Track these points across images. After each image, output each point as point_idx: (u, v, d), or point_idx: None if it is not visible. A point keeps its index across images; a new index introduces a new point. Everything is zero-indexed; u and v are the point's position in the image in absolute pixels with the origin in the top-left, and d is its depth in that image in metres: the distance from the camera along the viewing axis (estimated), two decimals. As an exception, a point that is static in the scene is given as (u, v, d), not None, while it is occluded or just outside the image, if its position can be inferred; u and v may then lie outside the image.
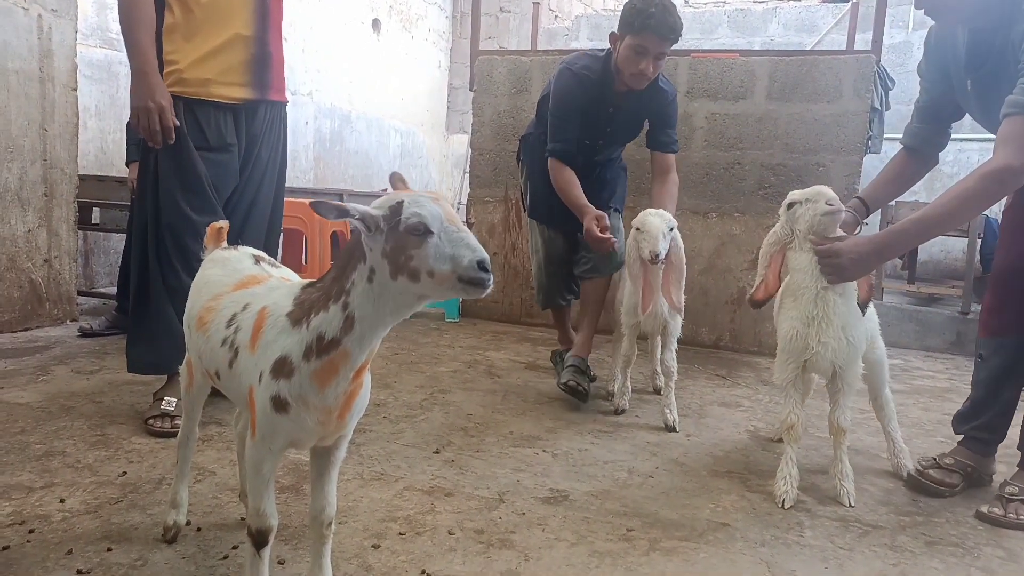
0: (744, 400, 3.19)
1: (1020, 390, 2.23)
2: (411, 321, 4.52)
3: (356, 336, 1.16)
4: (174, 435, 2.26)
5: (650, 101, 2.96)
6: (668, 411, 2.66)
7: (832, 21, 7.03)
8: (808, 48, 6.81)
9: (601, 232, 2.71)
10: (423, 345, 3.82)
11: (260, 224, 2.59)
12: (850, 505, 2.07)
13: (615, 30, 2.81)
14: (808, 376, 2.16)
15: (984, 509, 2.05)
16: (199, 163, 2.35)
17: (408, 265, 1.11)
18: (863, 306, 2.07)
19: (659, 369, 3.08)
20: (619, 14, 2.81)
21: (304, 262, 4.47)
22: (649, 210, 2.61)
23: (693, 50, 4.61)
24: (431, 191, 1.17)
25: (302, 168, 6.55)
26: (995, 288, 2.27)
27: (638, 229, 2.56)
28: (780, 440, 2.44)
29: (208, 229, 1.72)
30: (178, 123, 2.28)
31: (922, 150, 2.30)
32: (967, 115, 2.24)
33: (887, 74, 4.43)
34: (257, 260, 1.57)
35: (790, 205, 2.05)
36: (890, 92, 4.46)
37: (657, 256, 2.46)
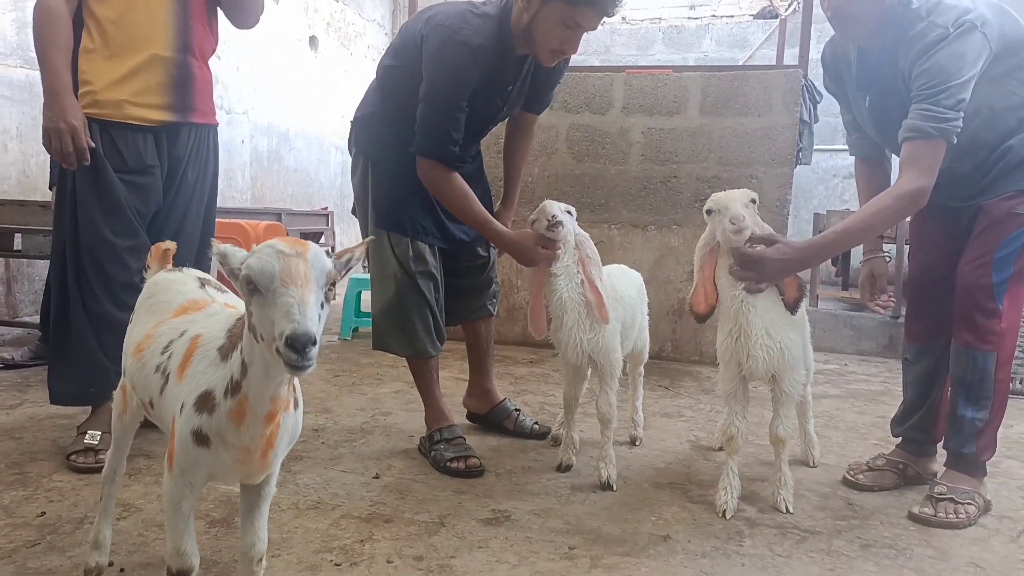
0: (686, 410, 3.22)
1: (945, 390, 2.31)
2: (352, 342, 4.45)
3: (251, 382, 1.12)
4: (98, 471, 2.15)
5: (552, 68, 2.33)
6: (603, 465, 2.23)
7: (762, 37, 7.25)
8: (740, 63, 7.00)
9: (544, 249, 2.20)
10: (364, 366, 3.76)
11: (190, 247, 2.51)
12: (788, 512, 2.10)
13: None
14: (747, 386, 2.18)
15: (916, 510, 2.11)
16: (118, 186, 2.27)
17: (250, 321, 1.06)
18: (793, 306, 2.05)
19: (633, 417, 2.70)
20: None
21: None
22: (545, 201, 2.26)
23: (628, 66, 4.69)
24: (301, 242, 1.07)
25: (239, 187, 6.41)
26: (911, 297, 2.39)
27: (534, 221, 2.22)
28: (721, 449, 2.47)
29: (153, 249, 1.66)
30: (92, 144, 2.20)
31: (871, 156, 2.39)
32: None
33: (814, 88, 4.56)
34: (203, 284, 1.52)
35: (707, 211, 2.05)
36: (818, 105, 4.60)
37: (555, 216, 2.13)
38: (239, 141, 6.37)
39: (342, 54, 7.90)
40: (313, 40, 7.46)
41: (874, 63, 2.14)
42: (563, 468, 2.36)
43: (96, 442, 2.25)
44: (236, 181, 6.38)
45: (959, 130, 1.95)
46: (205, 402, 1.16)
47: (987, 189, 2.11)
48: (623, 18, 10.20)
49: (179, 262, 2.48)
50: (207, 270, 2.61)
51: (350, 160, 2.50)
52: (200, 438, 1.16)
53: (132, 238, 2.30)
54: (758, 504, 2.16)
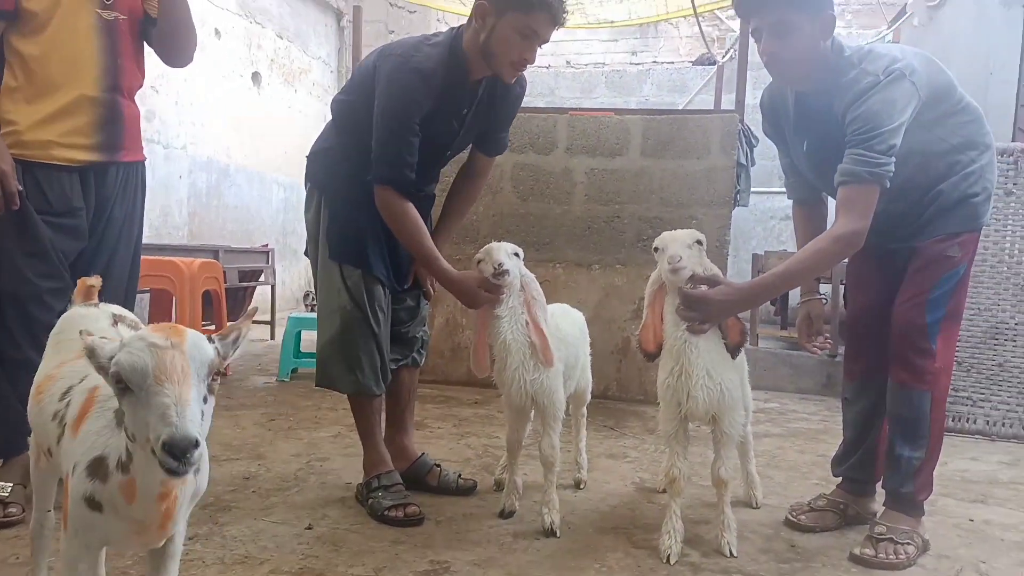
0: (631, 451, 3.19)
1: (884, 429, 2.34)
2: (291, 383, 4.31)
3: (137, 469, 1.03)
4: (10, 525, 2.02)
5: (506, 93, 2.34)
6: (546, 511, 2.16)
7: (701, 83, 7.48)
8: (680, 107, 7.19)
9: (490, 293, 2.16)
10: (302, 408, 3.63)
11: (118, 286, 2.40)
12: (733, 556, 2.07)
13: (482, 0, 2.13)
14: (688, 426, 2.17)
15: (856, 551, 2.11)
16: (41, 227, 2.18)
17: (123, 421, 0.99)
18: (735, 350, 2.06)
19: (577, 459, 2.64)
20: None
21: (173, 324, 4.18)
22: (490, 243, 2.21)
23: (571, 108, 4.75)
24: (177, 330, 0.99)
25: (175, 224, 6.23)
26: (849, 336, 2.43)
27: (480, 261, 2.18)
28: (665, 491, 2.44)
29: (78, 284, 1.57)
30: (20, 188, 2.11)
31: (808, 199, 2.43)
32: None
33: (751, 132, 4.70)
34: (116, 321, 1.43)
35: (655, 249, 2.06)
36: (754, 149, 4.73)
37: (501, 264, 2.07)
38: (176, 176, 6.21)
39: (286, 91, 7.83)
40: (256, 76, 7.39)
41: (811, 108, 2.20)
42: (506, 514, 2.29)
43: (6, 494, 2.11)
44: (173, 217, 6.20)
45: (891, 174, 2.00)
46: (97, 469, 1.07)
47: (921, 231, 2.17)
48: (567, 62, 10.43)
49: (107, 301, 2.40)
50: (132, 307, 2.50)
51: (300, 196, 2.48)
52: (93, 504, 1.08)
53: (56, 280, 2.21)
54: (702, 548, 2.13)
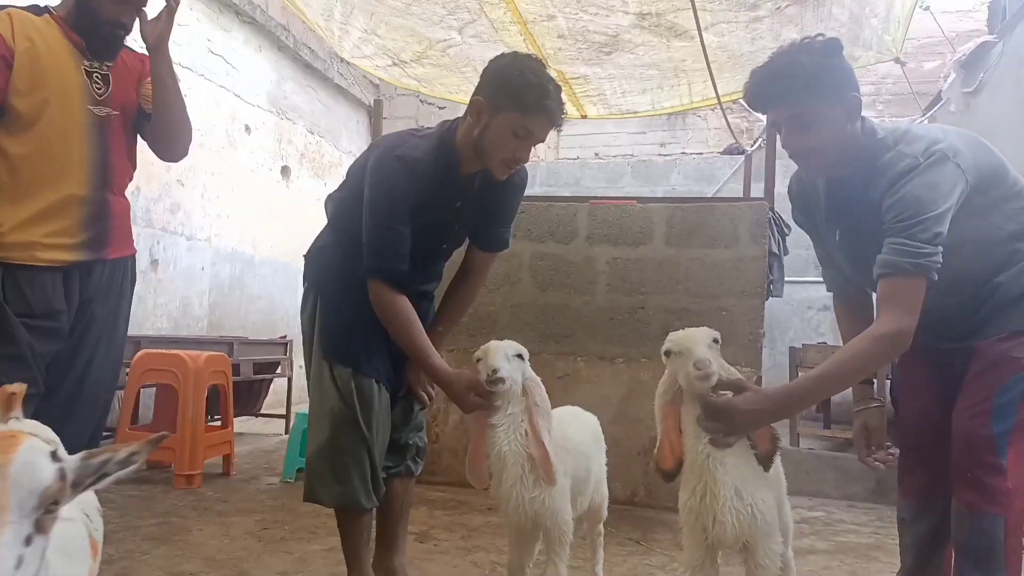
0: (658, 571, 2.85)
1: (949, 556, 2.00)
2: (296, 484, 4.05)
3: None
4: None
5: (504, 185, 2.19)
6: None
7: (729, 172, 7.36)
8: (708, 196, 7.06)
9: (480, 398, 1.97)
10: (300, 515, 3.36)
11: (97, 389, 2.23)
12: None
13: (478, 96, 2.06)
14: (716, 555, 1.86)
15: None
16: (19, 330, 2.02)
17: None
18: (767, 460, 1.78)
19: None
20: (490, 81, 2.07)
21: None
22: (491, 340, 2.04)
23: (592, 197, 4.63)
24: (5, 443, 0.79)
25: (195, 315, 6.15)
26: (903, 447, 2.12)
27: (479, 360, 1.97)
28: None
29: None
30: None
31: (848, 290, 2.19)
32: None
33: (782, 220, 4.50)
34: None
35: (666, 353, 1.80)
36: (787, 237, 4.52)
37: (495, 371, 1.87)
38: (199, 268, 6.19)
39: (315, 184, 7.91)
40: (285, 170, 7.48)
41: (843, 195, 1.98)
42: (508, 657, 1.98)
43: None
44: (193, 308, 6.14)
45: (939, 265, 1.76)
46: None
47: (979, 329, 1.90)
48: (596, 154, 10.47)
49: (84, 406, 2.23)
50: (106, 414, 2.33)
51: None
52: None
53: (31, 387, 2.03)
54: None
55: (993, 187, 1.89)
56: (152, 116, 2.27)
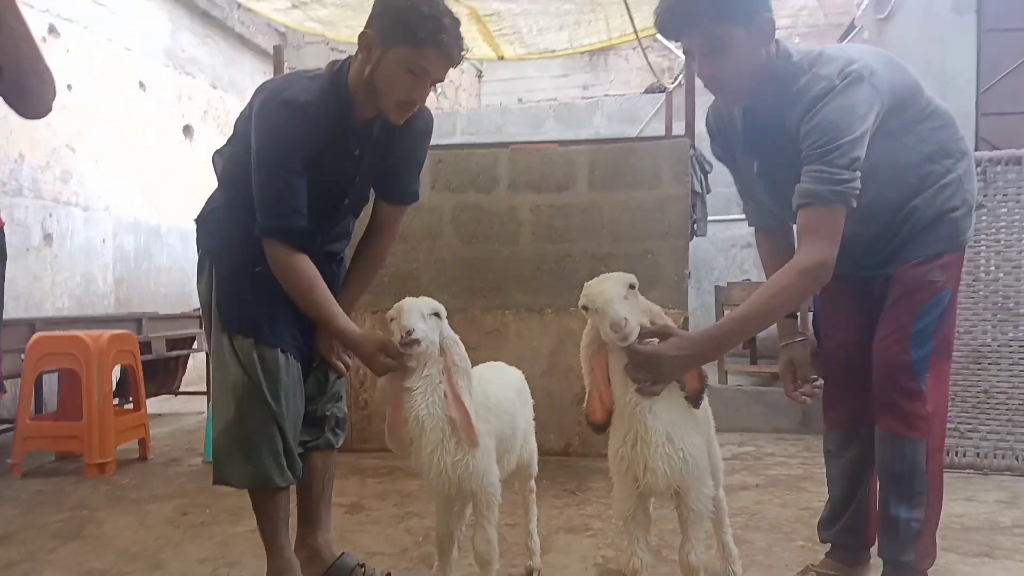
0: (594, 520, 2.83)
1: (874, 484, 2.02)
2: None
3: None
4: None
5: (405, 131, 2.03)
6: None
7: (651, 111, 7.29)
8: (630, 137, 7.00)
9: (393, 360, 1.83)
10: (223, 497, 3.17)
11: None
12: (712, 659, 1.71)
13: (369, 30, 1.87)
14: (648, 504, 1.82)
15: (859, 642, 1.76)
16: None
17: None
18: (696, 399, 1.73)
19: (528, 543, 2.26)
20: (381, 12, 1.86)
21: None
22: (405, 298, 1.87)
23: (511, 142, 4.48)
24: None
25: (100, 292, 5.78)
26: (827, 380, 2.11)
27: (392, 319, 1.84)
28: (630, 576, 2.08)
29: None
30: None
31: (771, 225, 2.13)
32: None
33: (703, 158, 4.46)
34: None
35: (584, 308, 1.71)
36: (708, 175, 4.49)
37: (410, 332, 1.74)
38: (99, 241, 5.79)
39: (222, 143, 7.48)
40: (188, 129, 7.03)
41: (760, 124, 1.91)
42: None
43: None
44: (96, 285, 5.76)
45: (857, 191, 1.71)
46: None
47: (896, 256, 1.88)
48: (519, 99, 10.27)
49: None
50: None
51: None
52: None
53: None
54: (676, 651, 1.77)
55: (907, 107, 1.84)
56: (1, 67, 2.00)
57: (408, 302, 1.84)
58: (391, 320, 1.85)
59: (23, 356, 3.71)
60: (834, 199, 1.70)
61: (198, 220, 2.11)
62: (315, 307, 1.91)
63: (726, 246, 6.72)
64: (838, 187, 1.70)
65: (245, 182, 1.93)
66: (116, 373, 4.22)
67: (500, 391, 2.03)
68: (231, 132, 2.07)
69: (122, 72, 6.09)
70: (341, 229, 2.16)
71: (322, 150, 1.90)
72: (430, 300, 1.87)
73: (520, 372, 2.31)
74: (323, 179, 1.93)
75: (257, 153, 1.86)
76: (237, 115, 2.07)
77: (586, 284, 1.71)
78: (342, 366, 2.11)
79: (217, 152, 2.09)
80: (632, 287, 1.68)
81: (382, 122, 1.99)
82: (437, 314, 1.85)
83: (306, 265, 1.91)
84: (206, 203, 2.12)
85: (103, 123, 5.81)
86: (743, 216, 2.32)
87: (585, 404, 1.78)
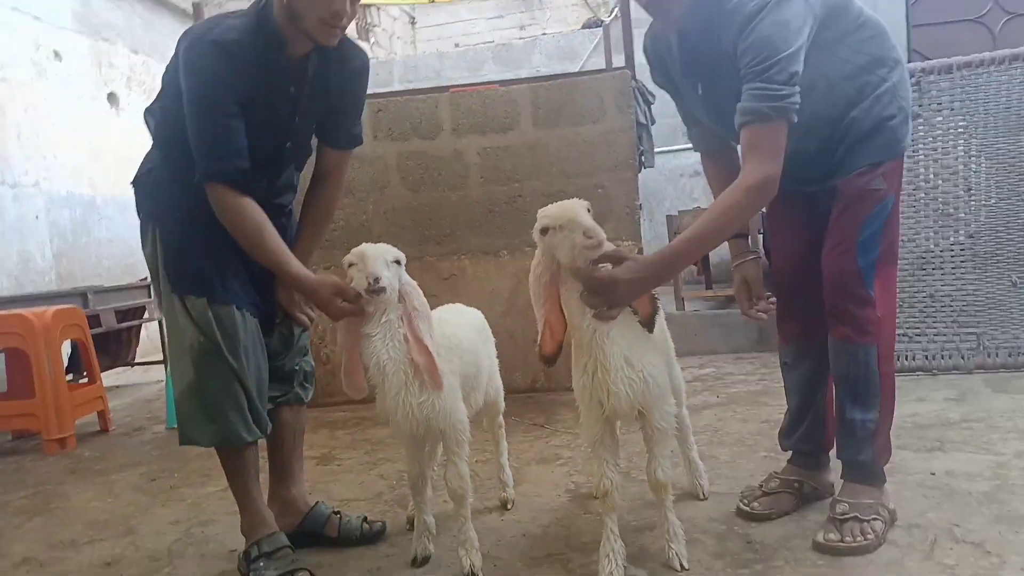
0: (563, 450, 2.89)
1: (830, 392, 2.10)
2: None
3: None
4: None
5: (341, 69, 1.99)
6: (464, 552, 1.86)
7: (590, 47, 7.21)
8: (573, 72, 6.93)
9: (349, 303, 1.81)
10: (191, 460, 3.16)
11: None
12: (683, 568, 1.78)
13: None
14: (615, 427, 1.86)
15: (820, 538, 1.85)
16: None
17: None
18: (649, 323, 1.76)
19: (500, 476, 2.33)
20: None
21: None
22: (362, 244, 1.86)
23: (451, 85, 4.39)
24: None
25: (39, 269, 5.57)
26: (780, 295, 2.17)
27: (351, 265, 1.82)
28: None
29: None
30: None
31: (716, 150, 2.15)
32: None
33: (646, 89, 4.44)
34: None
35: (543, 230, 1.70)
36: (652, 106, 4.48)
37: (377, 280, 1.73)
38: (32, 217, 5.56)
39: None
40: (112, 97, 6.73)
41: (697, 46, 1.91)
42: (419, 562, 1.94)
43: None
44: (35, 262, 5.56)
45: (797, 106, 1.73)
46: None
47: (838, 168, 1.91)
48: (455, 44, 10.04)
49: None
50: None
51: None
52: None
53: None
54: (648, 564, 1.84)
55: (839, 19, 1.86)
56: None
57: (371, 250, 1.81)
58: (350, 266, 1.82)
59: (-36, 340, 3.59)
60: (775, 115, 1.72)
61: (135, 183, 2.03)
62: (266, 252, 1.86)
63: (675, 176, 6.77)
64: (778, 103, 1.71)
65: (180, 137, 1.86)
66: (67, 348, 4.10)
67: (461, 331, 2.04)
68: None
69: (33, 42, 5.77)
70: (286, 180, 2.11)
71: (256, 90, 1.84)
72: (390, 247, 1.85)
73: (479, 312, 2.31)
74: (261, 120, 1.87)
75: (189, 98, 1.79)
76: (160, 80, 1.98)
77: (541, 210, 1.70)
78: (305, 319, 2.07)
79: (147, 110, 2.01)
80: (588, 211, 1.69)
81: (318, 60, 1.93)
82: (398, 261, 1.83)
83: (254, 209, 1.85)
84: (142, 164, 2.03)
85: (20, 96, 5.52)
86: (689, 145, 2.33)
87: (538, 338, 1.78)
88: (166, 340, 2.04)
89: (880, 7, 4.18)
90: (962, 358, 3.50)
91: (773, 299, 2.14)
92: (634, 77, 4.07)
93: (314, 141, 2.13)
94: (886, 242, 1.90)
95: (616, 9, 6.36)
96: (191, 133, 1.82)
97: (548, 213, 1.69)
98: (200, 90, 1.79)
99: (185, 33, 1.85)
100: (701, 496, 2.23)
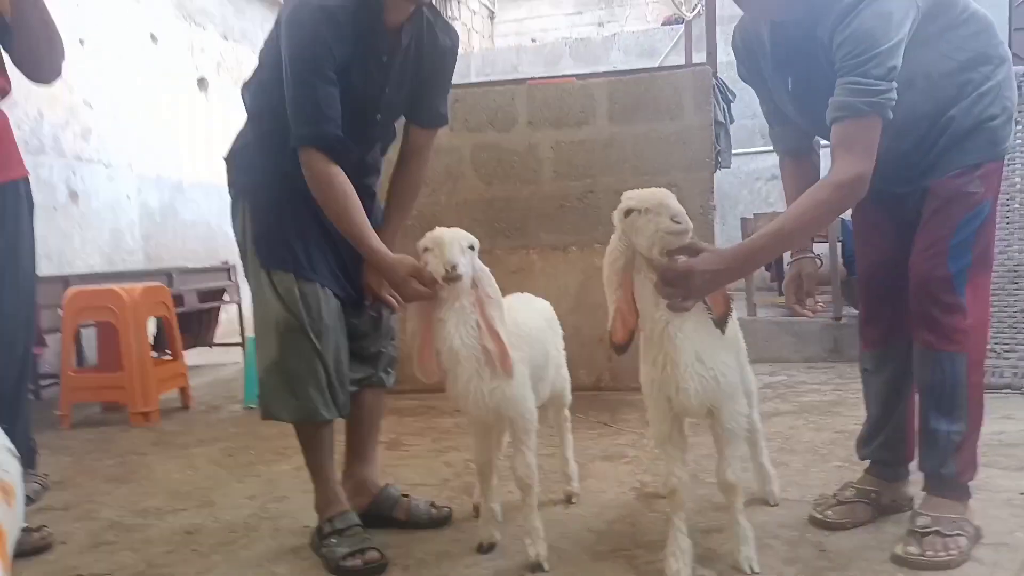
0: (628, 449, 2.87)
1: (912, 401, 2.02)
2: (256, 411, 3.96)
3: None
4: None
5: (433, 44, 2.03)
6: (529, 541, 1.85)
7: (670, 44, 7.12)
8: (652, 68, 6.85)
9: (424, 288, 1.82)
10: (266, 439, 3.28)
11: (6, 327, 2.06)
12: (754, 572, 1.75)
13: None
14: (683, 424, 1.83)
15: (899, 550, 1.79)
16: None
17: None
18: (722, 322, 1.72)
19: (565, 470, 2.33)
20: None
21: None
22: (436, 228, 1.85)
23: (529, 77, 4.40)
24: None
25: (128, 248, 5.85)
26: (864, 298, 2.11)
27: (427, 249, 1.82)
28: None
29: None
30: None
31: (798, 150, 2.09)
32: None
33: (726, 87, 4.37)
34: None
35: (627, 212, 1.67)
36: (732, 105, 4.40)
37: (455, 267, 1.72)
38: (124, 197, 5.84)
39: (237, 95, 7.44)
40: (203, 82, 6.99)
41: (790, 38, 1.86)
42: (485, 549, 1.96)
43: None
44: (125, 241, 5.83)
45: (894, 103, 1.67)
46: None
47: (932, 168, 1.84)
48: (532, 39, 10.06)
49: None
50: (28, 356, 2.17)
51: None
52: None
53: None
54: (717, 565, 1.81)
55: (943, 13, 1.78)
56: (13, 30, 1.99)
57: (447, 235, 1.80)
58: (424, 250, 1.83)
59: (60, 311, 3.80)
60: (870, 111, 1.66)
61: (227, 157, 2.08)
62: (349, 224, 1.88)
63: (750, 179, 6.62)
64: (874, 98, 1.65)
65: (274, 110, 1.90)
66: (152, 326, 4.30)
67: (531, 320, 2.05)
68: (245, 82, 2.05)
69: (133, 25, 6.04)
70: (372, 159, 2.14)
71: (352, 56, 1.86)
72: (466, 233, 1.84)
73: (547, 302, 2.31)
74: (353, 88, 1.89)
75: (289, 60, 1.82)
76: (251, 65, 2.04)
77: (627, 192, 1.68)
78: (394, 301, 2.07)
79: (244, 85, 2.06)
80: None
81: (413, 34, 1.97)
82: (472, 247, 1.83)
83: (343, 180, 1.87)
84: (235, 139, 2.09)
85: (118, 78, 5.78)
86: (767, 148, 2.27)
87: (609, 324, 1.74)
88: (253, 315, 2.09)
89: (982, 7, 4.00)
90: (1055, 376, 3.32)
91: (820, 302, 2.10)
92: (715, 74, 4.00)
93: (400, 123, 2.17)
94: (980, 248, 1.82)
95: (699, 6, 6.26)
96: (288, 97, 1.84)
97: (635, 195, 1.66)
98: (302, 52, 1.81)
99: (287, 2, 1.88)
100: (771, 502, 2.19)
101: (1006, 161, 3.31)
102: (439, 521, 2.15)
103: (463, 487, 2.49)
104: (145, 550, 2.12)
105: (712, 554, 1.87)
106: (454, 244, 1.77)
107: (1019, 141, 3.37)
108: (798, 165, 2.10)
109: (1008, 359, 3.39)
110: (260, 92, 1.98)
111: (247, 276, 2.08)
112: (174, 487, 2.69)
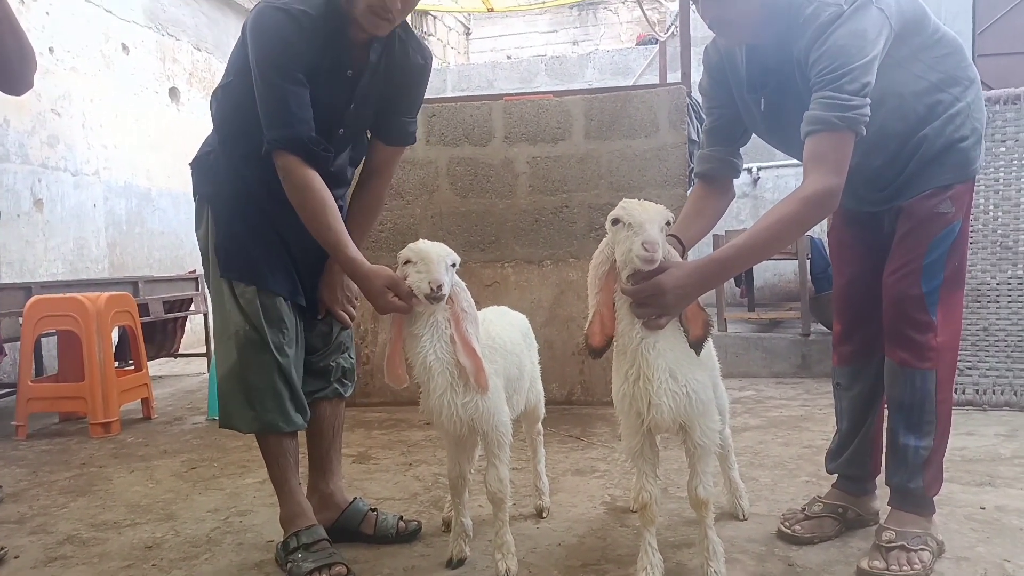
0: (599, 463, 2.86)
1: (881, 416, 2.04)
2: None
3: None
4: None
5: (404, 63, 1.99)
6: (500, 556, 1.84)
7: (644, 63, 7.21)
8: (628, 86, 6.93)
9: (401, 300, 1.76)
10: (230, 451, 3.22)
11: None
12: (723, 587, 1.75)
13: None
14: (655, 439, 1.83)
15: (864, 564, 1.80)
16: None
17: None
18: (698, 346, 1.71)
19: (537, 484, 2.31)
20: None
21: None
22: (420, 241, 1.80)
23: (505, 93, 4.42)
24: None
25: (93, 256, 5.73)
26: (839, 315, 2.12)
27: (409, 262, 1.75)
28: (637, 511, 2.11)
29: None
30: None
31: (717, 178, 2.06)
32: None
33: (700, 106, 4.42)
34: None
35: (615, 221, 1.64)
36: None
37: (440, 287, 1.67)
38: (90, 205, 5.72)
39: (208, 105, 7.36)
40: (174, 92, 6.91)
41: (766, 60, 1.88)
42: (454, 564, 1.93)
43: None
44: (90, 250, 5.71)
45: (867, 119, 1.69)
46: None
47: (905, 188, 1.87)
48: (508, 56, 10.13)
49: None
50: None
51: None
52: None
53: None
54: (687, 581, 1.81)
55: (914, 34, 1.82)
56: None
57: (433, 250, 1.75)
58: (406, 262, 1.77)
59: (21, 319, 3.70)
60: (843, 125, 1.68)
61: (193, 163, 2.05)
62: (327, 230, 1.82)
63: (721, 197, 6.70)
64: (848, 113, 1.67)
65: (239, 115, 1.88)
66: (115, 335, 4.20)
67: (505, 333, 2.03)
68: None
69: (103, 34, 5.94)
70: (339, 170, 2.09)
71: (317, 65, 1.83)
72: (449, 250, 1.79)
73: (523, 315, 2.30)
74: (317, 98, 1.85)
75: (257, 64, 1.79)
76: (220, 78, 2.00)
77: (624, 200, 1.66)
78: (346, 317, 2.09)
79: (213, 94, 2.03)
80: (669, 224, 1.66)
81: (383, 49, 1.94)
82: (454, 264, 1.79)
83: (321, 184, 1.83)
84: (201, 146, 2.05)
85: (86, 86, 5.69)
86: (695, 164, 2.20)
87: (586, 327, 1.73)
88: (212, 321, 2.05)
89: (944, 17, 4.12)
90: (1015, 394, 3.39)
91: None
92: (689, 93, 4.05)
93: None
94: (952, 267, 1.85)
95: (672, 28, 6.36)
96: (259, 100, 1.81)
97: (627, 206, 1.63)
98: (269, 55, 1.78)
99: (256, 6, 1.85)
100: (741, 517, 2.19)
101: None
102: (407, 536, 2.12)
103: (432, 501, 2.46)
104: (102, 565, 2.06)
105: (682, 568, 1.87)
106: (440, 263, 1.72)
107: (982, 165, 3.45)
108: (707, 192, 2.06)
109: (970, 376, 3.46)
110: (225, 99, 1.96)
111: (207, 282, 2.05)
112: (134, 500, 2.62)
